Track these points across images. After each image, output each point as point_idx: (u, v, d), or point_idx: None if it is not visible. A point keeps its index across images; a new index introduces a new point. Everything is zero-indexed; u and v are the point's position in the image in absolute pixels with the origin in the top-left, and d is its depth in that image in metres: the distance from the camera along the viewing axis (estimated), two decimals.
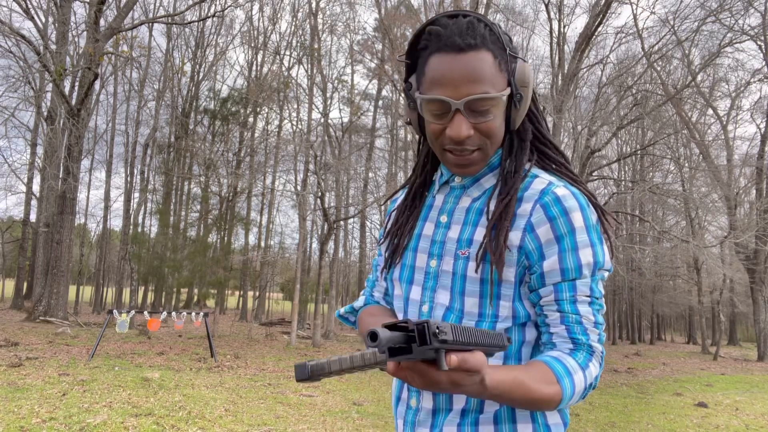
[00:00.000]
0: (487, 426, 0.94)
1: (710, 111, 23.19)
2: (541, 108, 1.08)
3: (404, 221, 1.11)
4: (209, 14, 21.69)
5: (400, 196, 1.22)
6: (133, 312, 11.00)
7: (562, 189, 0.95)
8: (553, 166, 1.05)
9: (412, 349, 0.66)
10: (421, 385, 0.73)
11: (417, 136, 1.14)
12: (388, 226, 1.17)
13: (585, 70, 20.21)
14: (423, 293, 1.02)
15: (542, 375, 0.88)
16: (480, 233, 0.98)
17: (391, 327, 0.68)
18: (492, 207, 0.99)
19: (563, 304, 0.93)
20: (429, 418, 0.98)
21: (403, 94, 1.07)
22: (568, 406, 0.93)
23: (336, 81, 24.03)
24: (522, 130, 1.04)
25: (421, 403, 0.99)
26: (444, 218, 1.04)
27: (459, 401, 0.95)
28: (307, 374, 0.72)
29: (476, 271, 0.95)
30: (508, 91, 0.95)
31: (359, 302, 1.25)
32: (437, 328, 0.65)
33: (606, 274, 0.96)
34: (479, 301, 0.95)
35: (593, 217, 0.95)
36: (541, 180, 0.98)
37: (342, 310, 1.26)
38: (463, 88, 0.91)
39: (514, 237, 0.94)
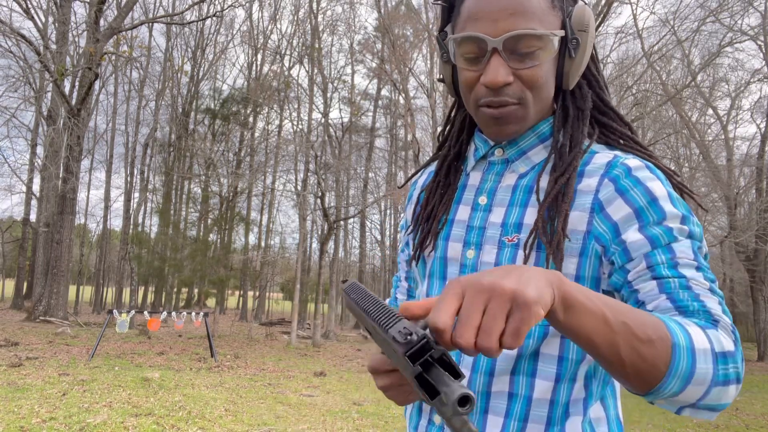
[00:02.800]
0: None
1: (710, 111, 23.20)
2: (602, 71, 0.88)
3: (437, 202, 0.90)
4: (209, 14, 21.70)
5: (422, 176, 1.02)
6: (133, 312, 11.01)
7: (633, 160, 0.76)
8: (621, 141, 0.84)
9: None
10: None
11: (452, 99, 0.94)
12: (416, 210, 0.95)
13: None
14: None
15: (639, 310, 0.62)
16: (531, 215, 0.78)
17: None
18: (543, 184, 0.80)
19: (659, 269, 0.69)
20: None
21: (436, 44, 0.88)
22: (701, 385, 0.60)
23: (336, 81, 24.05)
24: (579, 96, 0.84)
25: None
26: (483, 199, 0.84)
27: (494, 423, 0.76)
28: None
29: (525, 263, 0.75)
30: (561, 33, 0.76)
31: None
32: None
33: (705, 251, 0.73)
34: None
35: (676, 191, 0.76)
36: (605, 154, 0.79)
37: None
38: (503, 22, 0.73)
39: (578, 220, 0.75)
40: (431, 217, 0.90)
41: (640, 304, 0.70)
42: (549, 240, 0.74)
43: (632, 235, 0.71)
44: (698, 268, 0.69)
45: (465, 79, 0.80)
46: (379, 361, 0.66)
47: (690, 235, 0.71)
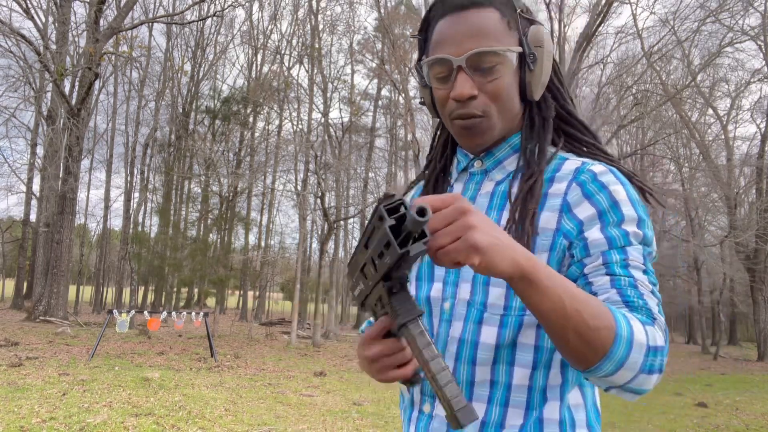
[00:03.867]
0: None
1: (710, 111, 23.19)
2: (566, 85, 0.98)
3: None
4: (209, 14, 21.71)
5: (412, 192, 1.11)
6: (133, 312, 11.02)
7: (598, 166, 0.85)
8: (584, 148, 0.94)
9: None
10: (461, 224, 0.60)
11: (436, 121, 1.04)
12: None
13: (585, 69, 20.22)
14: (444, 289, 0.89)
15: (593, 298, 0.70)
16: (506, 218, 0.86)
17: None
18: (515, 189, 0.88)
19: (613, 267, 0.77)
20: (443, 427, 0.85)
21: (415, 73, 0.99)
22: (628, 371, 0.69)
23: (336, 81, 24.06)
24: (543, 107, 0.94)
25: (435, 410, 0.87)
26: None
27: (478, 411, 0.82)
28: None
29: None
30: (518, 49, 0.86)
31: None
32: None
33: (655, 254, 0.83)
34: (505, 292, 0.83)
35: (637, 193, 0.84)
36: (573, 161, 0.88)
37: (363, 326, 1.09)
38: (465, 43, 0.84)
39: (548, 219, 0.84)
40: None
41: (593, 294, 0.77)
42: (519, 236, 0.81)
43: (593, 234, 0.80)
44: (645, 272, 0.78)
45: (438, 96, 0.91)
46: (373, 328, 0.73)
47: (643, 240, 0.80)
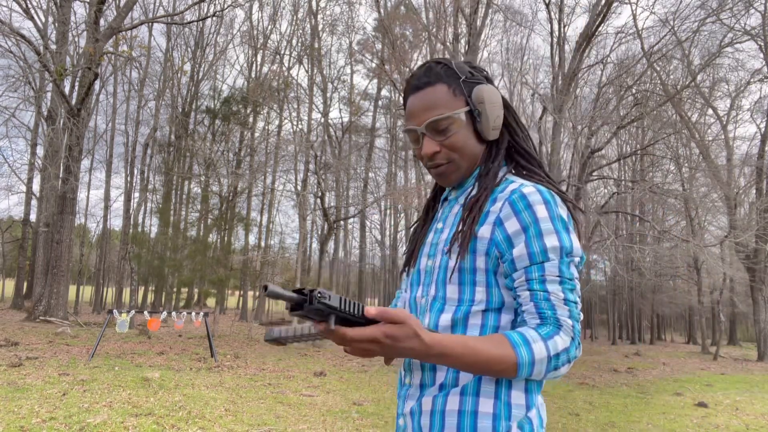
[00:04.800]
0: (454, 397, 1.03)
1: (710, 111, 23.18)
2: (521, 121, 1.24)
3: (419, 234, 1.30)
4: (209, 14, 21.70)
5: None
6: (133, 312, 11.00)
7: (529, 187, 1.06)
8: (524, 172, 1.18)
9: (303, 307, 0.83)
10: (357, 351, 0.90)
11: None
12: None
13: (585, 69, 20.20)
14: (423, 290, 1.16)
15: (496, 341, 0.96)
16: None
17: (296, 291, 0.84)
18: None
19: (532, 284, 1.00)
20: (417, 392, 1.10)
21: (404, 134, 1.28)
22: (538, 377, 0.98)
23: (336, 81, 24.06)
24: (499, 141, 1.19)
25: (412, 380, 1.12)
26: (440, 225, 1.21)
27: (440, 377, 1.06)
28: (275, 337, 0.96)
29: (449, 259, 1.09)
30: (464, 109, 1.12)
31: None
32: (320, 293, 0.83)
33: (577, 260, 1.03)
34: (458, 288, 1.08)
35: (558, 209, 1.04)
36: (515, 184, 1.10)
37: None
38: (422, 115, 1.13)
39: (485, 230, 1.07)
40: (414, 244, 1.28)
41: (519, 305, 1.03)
42: (459, 239, 1.08)
43: (518, 251, 1.02)
44: (561, 282, 1.00)
45: (416, 153, 1.20)
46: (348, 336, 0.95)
47: (560, 251, 1.01)
